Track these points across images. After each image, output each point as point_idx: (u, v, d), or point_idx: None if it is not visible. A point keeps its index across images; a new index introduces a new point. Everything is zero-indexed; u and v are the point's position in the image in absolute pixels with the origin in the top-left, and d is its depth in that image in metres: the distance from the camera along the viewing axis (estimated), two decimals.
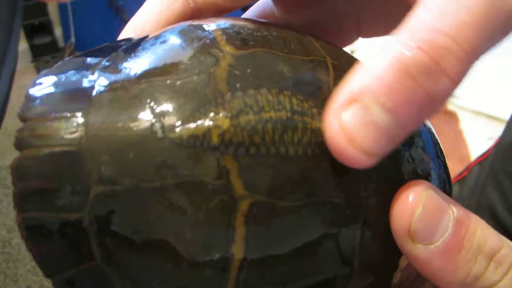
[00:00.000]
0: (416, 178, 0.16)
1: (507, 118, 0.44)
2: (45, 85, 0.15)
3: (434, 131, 0.19)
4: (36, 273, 1.03)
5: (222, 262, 0.14)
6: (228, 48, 0.15)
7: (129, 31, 0.21)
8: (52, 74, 0.16)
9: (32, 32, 1.86)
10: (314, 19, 0.22)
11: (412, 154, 0.16)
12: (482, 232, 0.15)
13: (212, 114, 0.14)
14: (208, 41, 0.16)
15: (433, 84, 0.13)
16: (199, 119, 0.14)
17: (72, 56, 0.17)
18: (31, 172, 0.14)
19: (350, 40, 0.24)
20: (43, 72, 0.16)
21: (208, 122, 0.14)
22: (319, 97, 0.15)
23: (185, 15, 0.20)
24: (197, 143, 0.14)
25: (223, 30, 0.16)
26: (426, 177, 0.17)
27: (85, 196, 0.14)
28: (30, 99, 0.15)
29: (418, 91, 0.13)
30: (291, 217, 0.14)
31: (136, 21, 0.20)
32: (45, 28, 1.89)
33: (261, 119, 0.14)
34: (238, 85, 0.14)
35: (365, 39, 0.24)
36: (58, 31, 2.00)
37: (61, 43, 2.02)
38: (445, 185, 0.18)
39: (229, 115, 0.14)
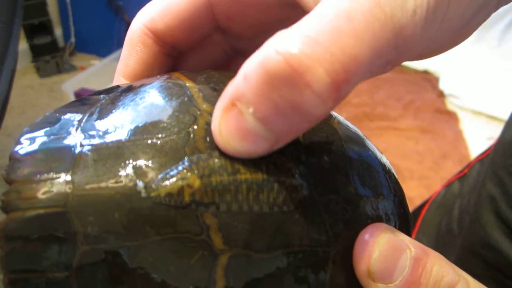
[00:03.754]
0: (378, 220, 0.17)
1: (507, 118, 0.44)
2: (29, 145, 0.15)
3: (391, 169, 0.20)
4: None
5: None
6: (205, 106, 0.16)
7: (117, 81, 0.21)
8: (34, 132, 0.16)
9: (32, 32, 1.86)
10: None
11: (372, 198, 0.18)
12: (439, 268, 0.15)
13: (185, 172, 0.15)
14: (186, 99, 0.16)
15: (297, 97, 0.12)
16: (175, 178, 0.15)
17: (52, 111, 0.17)
18: (18, 235, 0.14)
19: None
20: (25, 129, 0.16)
21: (181, 181, 0.14)
22: (294, 154, 0.16)
23: (158, 58, 0.20)
24: (172, 202, 0.14)
25: (200, 87, 0.17)
26: (387, 218, 0.18)
27: (72, 256, 0.14)
28: (14, 160, 0.15)
29: (282, 104, 0.13)
30: (267, 267, 0.15)
31: (121, 71, 0.21)
32: (45, 28, 1.89)
33: (235, 180, 0.15)
34: (214, 142, 0.15)
35: None
36: (58, 31, 2.00)
37: (61, 43, 2.02)
38: (405, 222, 0.19)
39: (201, 174, 0.15)
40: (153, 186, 0.14)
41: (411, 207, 0.64)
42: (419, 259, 0.15)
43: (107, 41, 1.92)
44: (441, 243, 0.49)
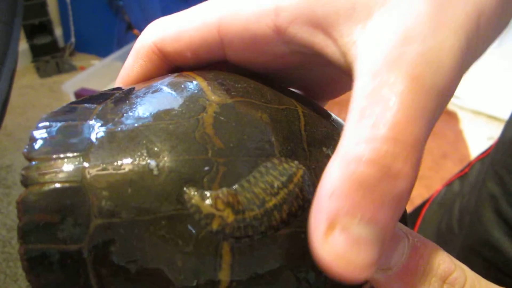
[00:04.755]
0: None
1: (507, 118, 0.44)
2: (48, 129, 0.16)
3: None
4: None
5: (210, 287, 0.15)
6: (213, 97, 0.17)
7: (118, 84, 0.22)
8: (53, 118, 0.17)
9: (32, 32, 1.86)
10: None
11: None
12: (436, 257, 0.16)
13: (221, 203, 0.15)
14: (196, 91, 0.18)
15: (394, 187, 0.14)
16: (187, 159, 0.15)
17: (69, 102, 0.18)
18: (36, 206, 0.15)
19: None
20: (44, 116, 0.17)
21: (216, 211, 0.15)
22: (297, 144, 0.17)
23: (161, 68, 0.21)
24: (203, 222, 0.15)
25: (208, 82, 0.18)
26: None
27: (85, 228, 0.15)
28: (34, 140, 0.16)
29: (384, 197, 0.14)
30: (271, 246, 0.15)
31: (123, 76, 0.22)
32: (45, 28, 1.89)
33: (266, 211, 0.15)
34: (223, 129, 0.16)
35: None
36: (58, 31, 2.00)
37: (61, 43, 2.02)
38: (403, 219, 0.20)
39: (236, 210, 0.15)
40: (168, 166, 0.15)
41: (411, 207, 0.64)
42: (416, 247, 0.16)
43: (107, 41, 1.92)
44: (441, 242, 0.49)
